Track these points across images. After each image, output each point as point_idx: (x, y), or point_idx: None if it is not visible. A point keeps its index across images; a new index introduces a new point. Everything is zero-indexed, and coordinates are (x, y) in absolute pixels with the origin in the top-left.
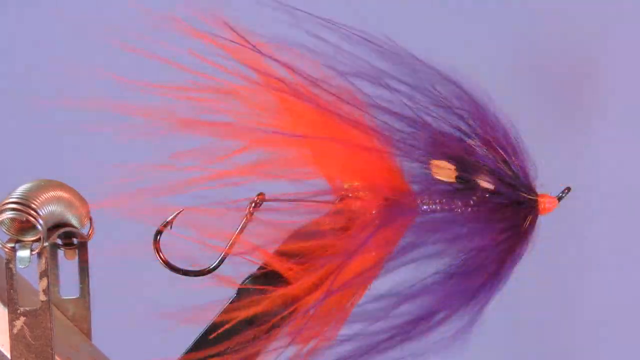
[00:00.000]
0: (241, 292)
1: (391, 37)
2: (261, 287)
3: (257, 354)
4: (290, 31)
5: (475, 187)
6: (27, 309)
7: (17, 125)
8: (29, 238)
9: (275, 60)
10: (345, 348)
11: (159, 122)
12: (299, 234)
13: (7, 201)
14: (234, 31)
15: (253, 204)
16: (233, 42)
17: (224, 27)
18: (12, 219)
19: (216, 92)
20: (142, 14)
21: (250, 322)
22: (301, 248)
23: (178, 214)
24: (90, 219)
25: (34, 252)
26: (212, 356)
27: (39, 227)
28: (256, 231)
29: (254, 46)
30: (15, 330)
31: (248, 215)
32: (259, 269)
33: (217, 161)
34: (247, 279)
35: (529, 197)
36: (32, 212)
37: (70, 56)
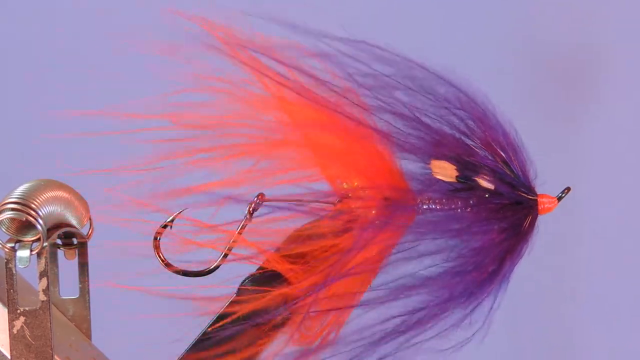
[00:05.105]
0: (240, 293)
1: (391, 38)
2: (260, 287)
3: (258, 354)
4: (290, 32)
5: (475, 187)
6: (27, 308)
7: (17, 124)
8: (29, 238)
9: (275, 60)
10: (344, 345)
11: (159, 123)
12: (299, 235)
13: (6, 201)
14: (235, 32)
15: (253, 205)
16: (233, 42)
17: (224, 28)
18: (12, 219)
19: (217, 94)
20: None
21: (251, 322)
22: (301, 248)
23: (178, 214)
24: (90, 219)
25: (33, 252)
26: (213, 356)
27: (39, 227)
28: (256, 231)
29: (254, 47)
30: (15, 330)
31: (248, 216)
32: (258, 269)
33: (217, 162)
34: (246, 279)
35: (529, 197)
36: (32, 212)
37: (71, 57)
